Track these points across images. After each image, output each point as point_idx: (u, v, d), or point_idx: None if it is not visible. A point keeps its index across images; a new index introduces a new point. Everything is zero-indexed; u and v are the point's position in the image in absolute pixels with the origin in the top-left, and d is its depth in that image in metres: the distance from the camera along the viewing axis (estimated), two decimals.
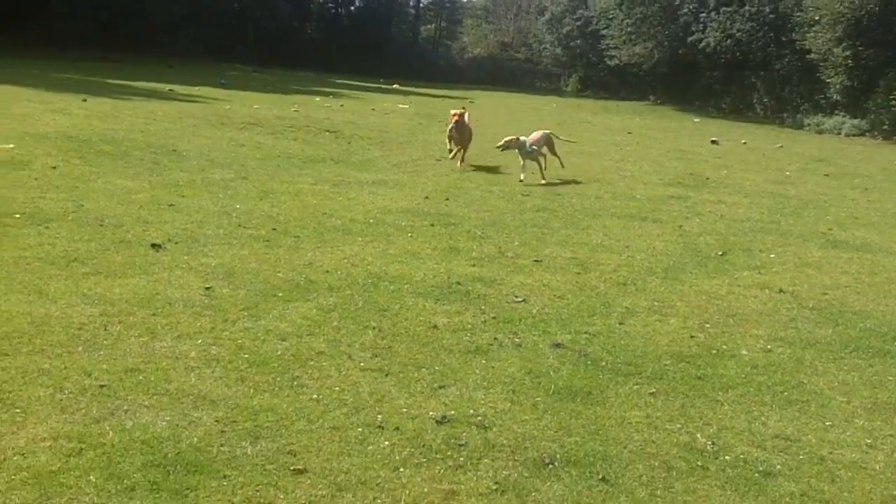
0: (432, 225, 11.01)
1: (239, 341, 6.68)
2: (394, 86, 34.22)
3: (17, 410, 5.29)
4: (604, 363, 6.84)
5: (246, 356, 6.41)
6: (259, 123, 18.53)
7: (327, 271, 8.64)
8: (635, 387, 6.47)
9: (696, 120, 31.01)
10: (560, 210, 12.60)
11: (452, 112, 16.30)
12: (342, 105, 25.29)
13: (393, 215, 11.44)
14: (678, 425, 5.90)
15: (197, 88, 24.62)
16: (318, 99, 26.46)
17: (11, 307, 6.95)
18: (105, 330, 6.68)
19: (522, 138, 14.94)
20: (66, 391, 5.61)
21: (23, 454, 4.80)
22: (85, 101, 19.11)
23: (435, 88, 34.97)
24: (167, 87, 24.25)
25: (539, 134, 15.55)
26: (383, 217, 11.29)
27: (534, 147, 15.00)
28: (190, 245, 9.26)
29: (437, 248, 9.84)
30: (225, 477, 4.77)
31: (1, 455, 4.76)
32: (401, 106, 27.11)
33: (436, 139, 19.78)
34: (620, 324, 7.81)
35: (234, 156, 14.99)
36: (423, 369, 6.46)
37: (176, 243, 9.26)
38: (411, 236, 10.37)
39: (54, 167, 12.43)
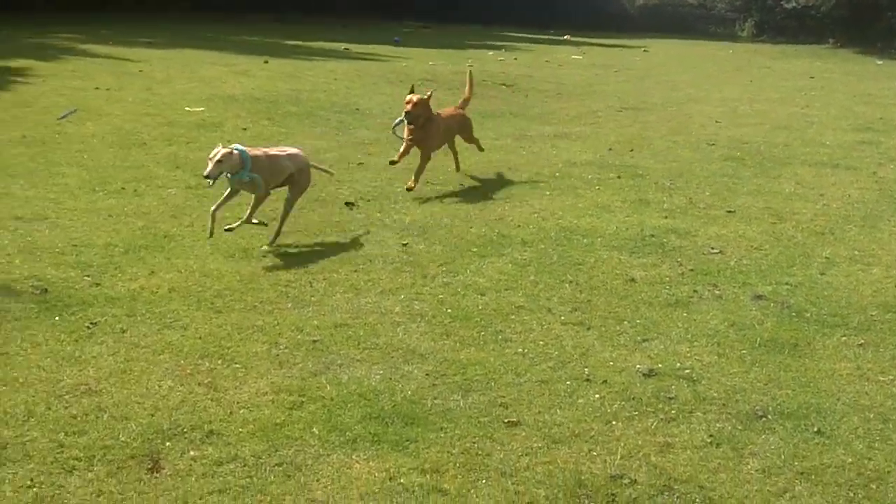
0: (619, 177, 10.88)
1: (440, 296, 6.78)
2: (565, 37, 33.84)
3: (238, 365, 5.52)
4: (808, 315, 6.65)
5: (448, 311, 6.50)
6: (436, 79, 18.62)
7: (518, 226, 8.65)
8: (843, 338, 6.27)
9: (878, 62, 29.56)
10: (748, 159, 12.24)
11: (408, 98, 10.02)
12: (516, 58, 25.15)
13: (578, 168, 11.35)
14: (891, 377, 5.69)
15: (371, 47, 24.90)
16: (491, 53, 26.40)
17: (220, 266, 7.24)
18: (311, 286, 6.88)
19: (237, 151, 7.64)
20: (281, 346, 5.81)
21: (248, 407, 5.01)
22: (266, 62, 19.58)
23: (607, 38, 34.38)
24: (342, 46, 24.61)
25: (289, 151, 8.27)
26: (568, 170, 11.21)
27: (253, 175, 7.69)
28: (382, 202, 9.42)
29: (627, 201, 9.72)
30: (441, 429, 4.87)
31: (227, 409, 4.98)
32: (574, 57, 26.79)
33: (614, 90, 19.48)
34: (822, 274, 7.56)
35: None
36: (625, 322, 6.42)
37: (368, 201, 9.44)
38: (599, 189, 10.28)
39: (244, 129, 12.80)
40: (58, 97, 13.99)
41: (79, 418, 4.75)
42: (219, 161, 7.53)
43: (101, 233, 7.89)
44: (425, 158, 10.18)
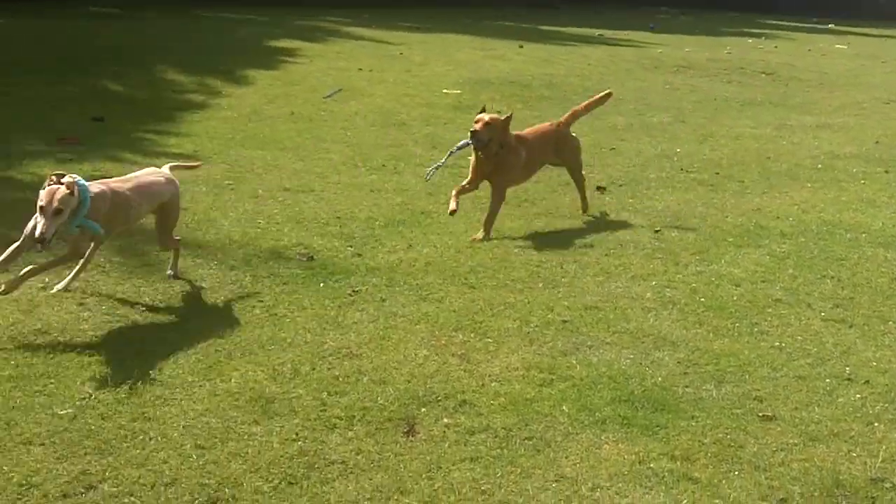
0: (886, 171, 10.34)
1: (692, 285, 6.66)
2: (829, 26, 32.40)
3: (490, 340, 5.62)
4: None
5: (701, 300, 6.38)
6: (692, 66, 18.28)
7: (777, 217, 8.38)
8: None
9: None
10: None
11: (478, 117, 7.83)
12: (776, 46, 24.29)
13: (842, 160, 10.86)
14: None
15: (626, 33, 24.68)
16: (750, 40, 25.60)
17: (473, 243, 7.37)
18: (561, 268, 6.91)
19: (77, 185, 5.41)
20: (531, 324, 5.87)
21: (499, 381, 5.09)
22: (521, 47, 19.76)
23: (874, 28, 32.65)
24: (597, 32, 24.51)
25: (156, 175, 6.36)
26: (831, 162, 10.75)
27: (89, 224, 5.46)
28: (634, 188, 9.34)
29: (895, 197, 9.23)
30: (693, 417, 4.79)
31: (480, 381, 5.08)
32: (838, 46, 25.58)
33: (881, 81, 18.49)
34: None
35: (670, 99, 14.90)
36: (890, 322, 6.12)
37: (620, 186, 9.38)
38: (864, 183, 9.80)
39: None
40: (324, 77, 14.63)
41: (340, 379, 4.97)
42: (57, 211, 5.19)
43: (362, 206, 8.21)
44: (499, 199, 7.80)
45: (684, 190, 9.36)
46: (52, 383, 4.72)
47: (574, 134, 8.68)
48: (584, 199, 8.48)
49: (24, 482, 3.88)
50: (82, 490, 3.86)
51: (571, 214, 8.34)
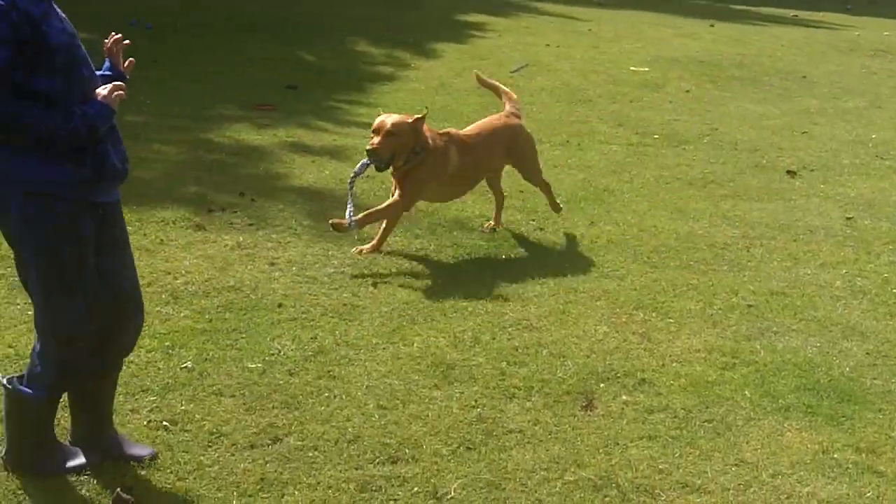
0: None
1: (885, 275, 6.41)
2: None
3: (671, 320, 5.54)
4: None
5: (893, 290, 6.13)
6: (891, 51, 17.44)
7: None
8: None
9: None
10: None
11: (376, 123, 6.33)
12: None
13: None
14: None
15: (821, 14, 23.73)
16: None
17: (658, 223, 7.28)
18: (747, 251, 6.75)
19: None
20: (715, 307, 5.76)
21: (680, 362, 5.03)
22: (712, 26, 19.26)
23: None
24: (791, 12, 23.66)
25: None
26: None
27: None
28: (825, 173, 9.01)
29: None
30: (880, 410, 4.63)
31: (660, 360, 5.02)
32: None
33: None
34: None
35: (867, 84, 14.26)
36: None
37: (811, 171, 9.07)
38: None
39: (687, 91, 12.73)
40: (511, 52, 14.63)
41: (520, 350, 5.01)
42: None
43: None
44: (397, 206, 6.26)
45: (879, 178, 8.98)
46: (242, 338, 4.92)
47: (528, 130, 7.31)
48: (553, 203, 7.12)
49: (214, 431, 4.07)
50: (269, 442, 4.02)
51: (759, 197, 8.12)
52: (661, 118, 11.05)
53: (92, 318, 3.54)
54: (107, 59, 3.75)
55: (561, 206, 7.19)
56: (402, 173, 6.23)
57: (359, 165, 6.19)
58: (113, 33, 3.76)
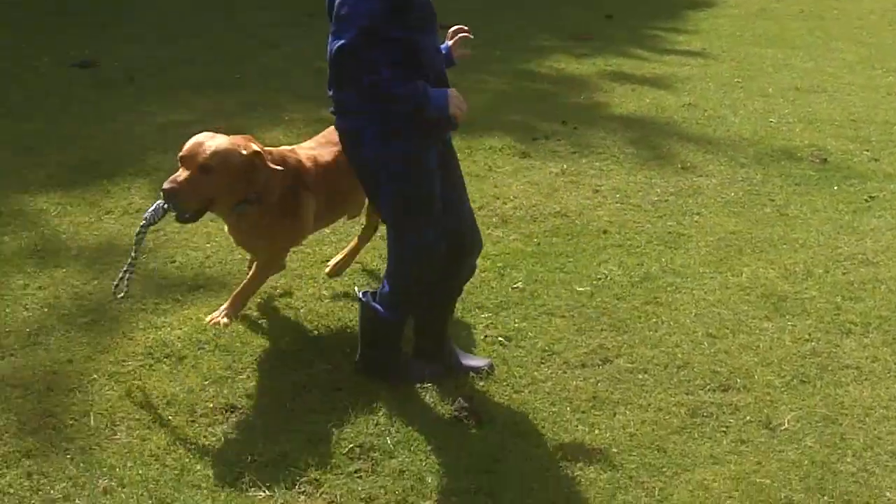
0: None
1: None
2: None
3: None
4: None
5: None
6: None
7: None
8: None
9: None
10: None
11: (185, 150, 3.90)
12: None
13: None
14: None
15: None
16: None
17: None
18: None
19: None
20: None
21: None
22: None
23: None
24: None
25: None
26: None
27: None
28: None
29: None
30: None
31: None
32: None
33: None
34: None
35: None
36: None
37: None
38: None
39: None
40: None
41: (856, 285, 4.80)
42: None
43: (879, 109, 7.75)
44: (264, 270, 4.32)
45: None
46: (570, 262, 5.00)
47: None
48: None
49: (546, 349, 4.18)
50: (599, 362, 4.09)
51: None
52: None
53: (437, 247, 3.72)
54: (447, 41, 3.87)
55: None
56: (249, 226, 4.16)
57: (150, 210, 3.90)
58: (462, 27, 3.93)
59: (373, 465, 3.42)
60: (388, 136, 3.55)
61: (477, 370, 3.94)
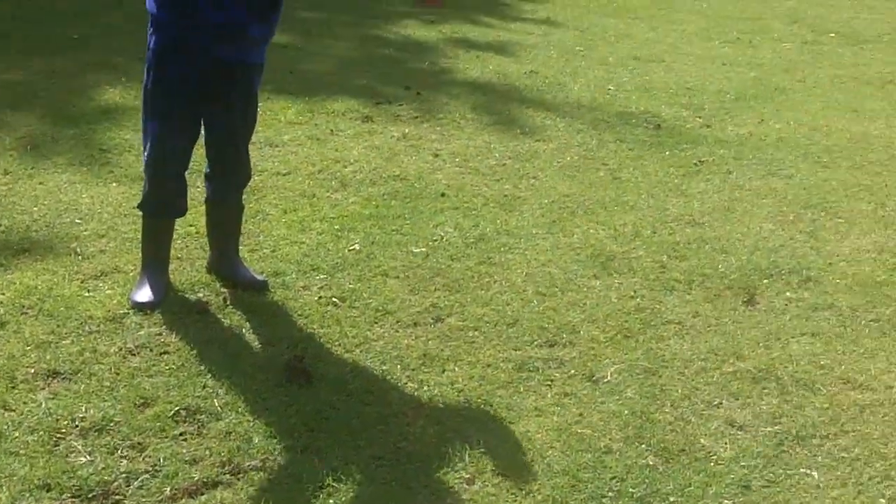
0: None
1: None
2: None
3: (840, 220, 5.39)
4: None
5: None
6: None
7: None
8: None
9: None
10: None
11: None
12: None
13: None
14: None
15: None
16: None
17: (830, 122, 7.04)
18: None
19: None
20: (888, 208, 5.58)
21: (847, 261, 4.90)
22: None
23: None
24: None
25: None
26: None
27: None
28: None
29: None
30: None
31: (827, 259, 4.90)
32: None
33: None
34: None
35: None
36: None
37: None
38: None
39: None
40: None
41: (681, 245, 4.96)
42: None
43: (713, 79, 8.01)
44: None
45: None
46: (407, 224, 5.03)
47: None
48: None
49: (380, 308, 4.20)
50: (431, 321, 4.13)
51: None
52: (839, 16, 10.62)
53: (172, 150, 3.99)
54: None
55: None
56: None
57: None
58: None
59: (199, 427, 3.38)
60: (154, 26, 3.89)
61: (256, 286, 4.25)
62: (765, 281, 4.63)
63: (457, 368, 3.80)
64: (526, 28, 9.37)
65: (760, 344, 4.08)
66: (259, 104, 4.24)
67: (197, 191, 4.61)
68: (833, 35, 9.72)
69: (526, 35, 9.10)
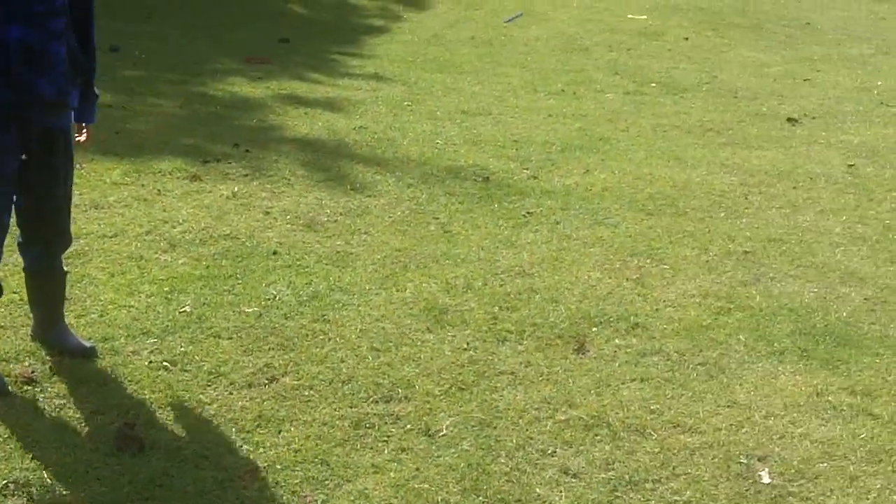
0: None
1: (886, 221, 6.42)
2: None
3: (666, 266, 5.55)
4: None
5: (894, 237, 6.13)
6: None
7: None
8: None
9: None
10: None
11: None
12: None
13: None
14: None
15: None
16: None
17: (654, 171, 7.26)
18: (745, 199, 6.74)
19: None
20: (710, 253, 5.77)
21: (674, 307, 5.03)
22: None
23: None
24: None
25: None
26: None
27: None
28: (828, 121, 8.99)
29: None
30: (877, 354, 4.64)
31: (654, 305, 5.03)
32: None
33: None
34: None
35: (874, 30, 14.18)
36: None
37: (813, 118, 9.04)
38: None
39: (686, 38, 12.68)
40: (506, 1, 14.54)
41: (512, 296, 5.01)
42: None
43: (539, 131, 8.17)
44: None
45: (883, 125, 8.95)
46: (239, 284, 4.93)
47: None
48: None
49: (213, 371, 4.09)
50: (266, 381, 4.04)
51: (758, 145, 8.08)
52: (660, 66, 11.01)
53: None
54: None
55: None
56: None
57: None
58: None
59: (28, 500, 3.24)
60: None
61: (83, 352, 4.11)
62: (594, 329, 4.71)
63: (293, 428, 3.73)
64: (354, 84, 9.39)
65: (592, 391, 4.14)
66: (83, 165, 4.13)
67: (16, 257, 4.41)
68: (654, 85, 10.07)
69: (354, 91, 9.12)
